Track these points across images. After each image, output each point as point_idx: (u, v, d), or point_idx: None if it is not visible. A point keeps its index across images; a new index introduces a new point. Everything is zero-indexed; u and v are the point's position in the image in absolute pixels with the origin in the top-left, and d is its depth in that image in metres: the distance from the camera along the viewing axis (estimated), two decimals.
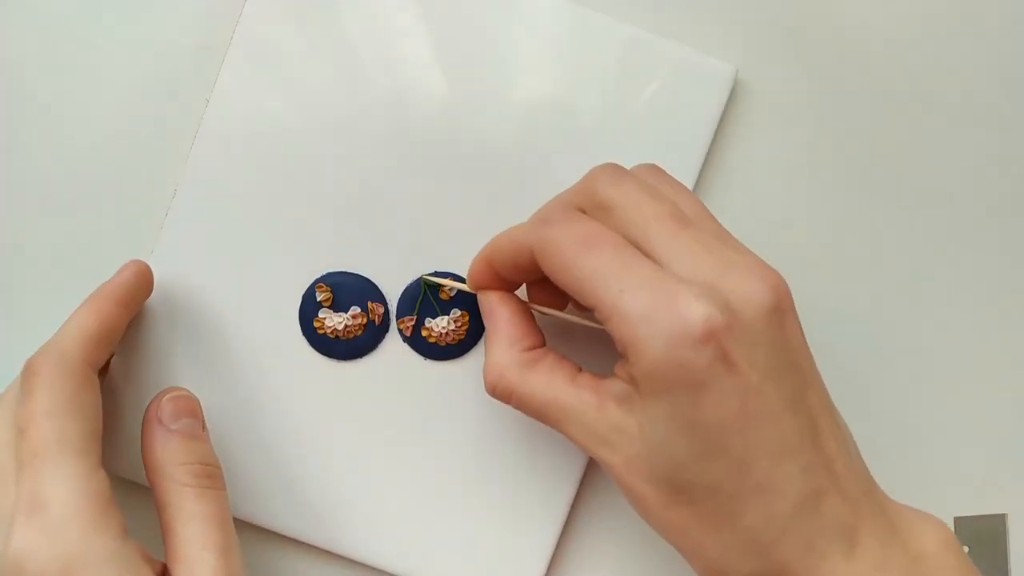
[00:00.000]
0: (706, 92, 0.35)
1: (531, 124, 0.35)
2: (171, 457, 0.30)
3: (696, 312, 0.25)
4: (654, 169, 0.30)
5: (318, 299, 0.35)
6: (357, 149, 0.35)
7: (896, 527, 0.28)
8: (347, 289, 0.35)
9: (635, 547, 0.36)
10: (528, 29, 0.35)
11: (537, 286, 0.32)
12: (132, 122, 0.36)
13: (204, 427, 0.32)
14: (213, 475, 0.30)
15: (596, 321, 0.28)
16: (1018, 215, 0.37)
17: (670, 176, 0.30)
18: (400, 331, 0.35)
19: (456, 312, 0.35)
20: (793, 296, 0.28)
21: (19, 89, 0.36)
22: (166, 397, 0.31)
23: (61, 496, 0.27)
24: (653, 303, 0.25)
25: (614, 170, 0.29)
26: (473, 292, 0.33)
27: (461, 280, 0.35)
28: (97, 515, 0.27)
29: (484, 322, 0.32)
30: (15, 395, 0.29)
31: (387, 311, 0.35)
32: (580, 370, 0.30)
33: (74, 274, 0.35)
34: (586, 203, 0.29)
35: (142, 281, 0.33)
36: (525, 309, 0.31)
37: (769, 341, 0.26)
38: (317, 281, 0.35)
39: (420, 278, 0.35)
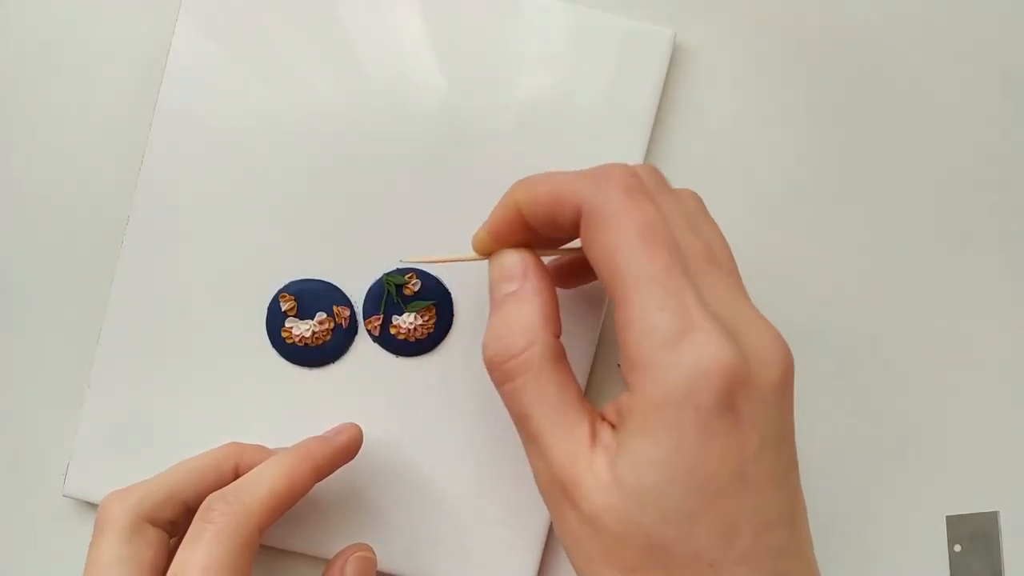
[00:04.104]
0: (648, 59, 0.35)
1: (482, 110, 0.35)
2: None
3: (725, 354, 0.23)
4: (696, 199, 0.28)
5: (283, 309, 0.35)
6: (303, 156, 0.35)
7: None
8: (311, 296, 0.35)
9: None
10: (466, 17, 0.35)
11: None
12: (80, 159, 0.36)
13: None
14: None
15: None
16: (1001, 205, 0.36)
17: (708, 214, 0.28)
18: (368, 332, 0.35)
19: (421, 306, 0.35)
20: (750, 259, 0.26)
21: None
22: (352, 557, 0.32)
23: None
24: (685, 330, 0.23)
25: (658, 177, 0.27)
26: (481, 253, 0.29)
27: (423, 275, 0.35)
28: None
29: (502, 285, 0.27)
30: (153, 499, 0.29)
31: (353, 313, 0.35)
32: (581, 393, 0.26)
33: (26, 313, 0.35)
34: None
35: (352, 451, 0.32)
36: (555, 289, 0.28)
37: (775, 411, 0.24)
38: (280, 291, 0.35)
39: (383, 277, 0.35)
